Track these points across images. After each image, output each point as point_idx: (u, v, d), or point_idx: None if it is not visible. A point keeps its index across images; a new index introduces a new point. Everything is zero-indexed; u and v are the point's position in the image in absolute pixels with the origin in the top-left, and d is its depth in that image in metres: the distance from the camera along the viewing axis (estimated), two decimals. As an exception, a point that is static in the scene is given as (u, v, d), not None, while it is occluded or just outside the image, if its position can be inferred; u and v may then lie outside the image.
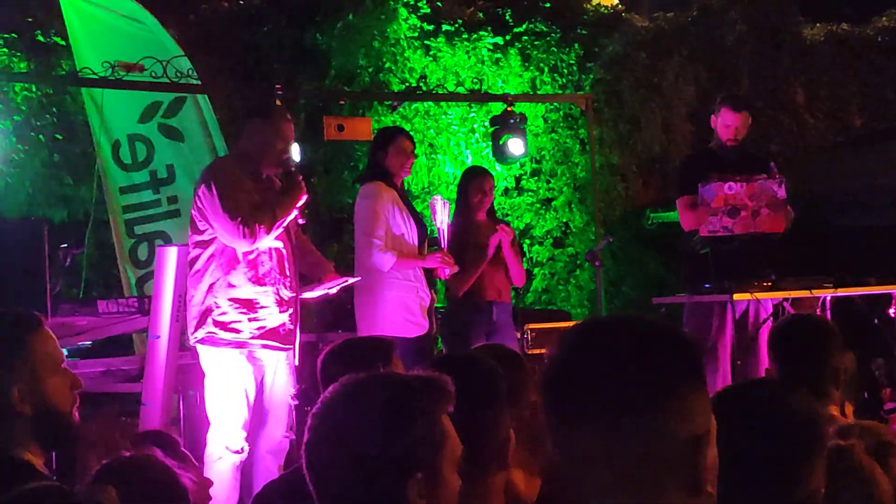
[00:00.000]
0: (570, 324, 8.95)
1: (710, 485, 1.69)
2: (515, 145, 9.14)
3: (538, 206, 10.85)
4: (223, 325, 5.74)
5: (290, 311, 5.90)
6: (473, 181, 7.52)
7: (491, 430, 2.57)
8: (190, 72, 8.03)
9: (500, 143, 9.15)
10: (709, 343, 6.88)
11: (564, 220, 10.91)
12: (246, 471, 5.82)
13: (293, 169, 6.00)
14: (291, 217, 5.89)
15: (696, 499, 1.68)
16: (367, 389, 2.09)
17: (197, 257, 5.83)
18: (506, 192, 10.71)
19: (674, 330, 1.76)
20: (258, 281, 5.79)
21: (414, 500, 1.99)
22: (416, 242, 6.82)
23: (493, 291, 7.43)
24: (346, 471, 2.01)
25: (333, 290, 6.34)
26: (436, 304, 7.10)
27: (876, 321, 7.64)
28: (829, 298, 7.15)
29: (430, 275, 6.94)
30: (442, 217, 7.04)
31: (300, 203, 5.90)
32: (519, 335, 8.29)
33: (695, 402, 1.69)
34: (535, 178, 10.87)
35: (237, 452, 5.71)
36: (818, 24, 12.85)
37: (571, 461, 1.68)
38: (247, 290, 5.76)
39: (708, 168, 7.14)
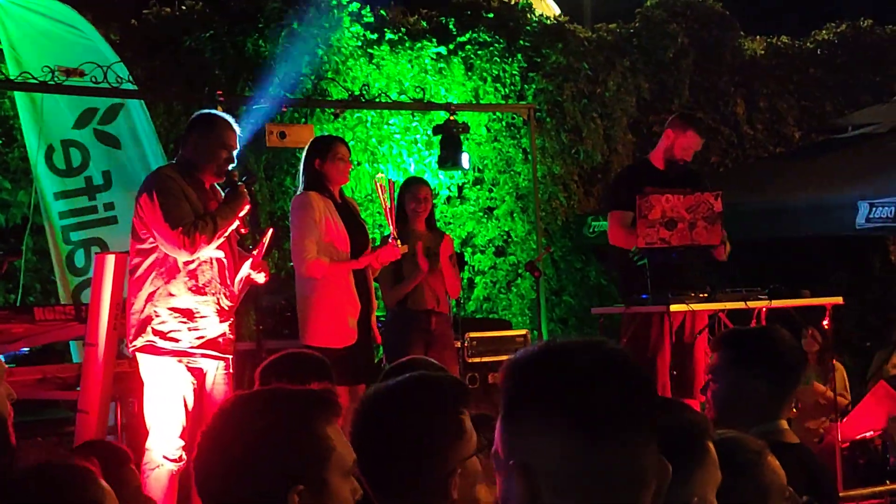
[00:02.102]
0: (514, 332, 9.07)
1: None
2: (464, 158, 9.24)
3: (480, 214, 10.89)
4: (162, 334, 5.73)
5: (231, 320, 5.91)
6: (408, 190, 7.54)
7: (435, 460, 2.54)
8: (129, 78, 7.99)
9: (452, 152, 9.20)
10: (648, 355, 6.93)
11: (506, 228, 10.95)
12: (184, 479, 5.80)
13: (236, 179, 5.99)
14: (233, 227, 5.89)
15: None
16: (250, 404, 2.12)
17: (138, 265, 5.83)
18: (448, 200, 10.73)
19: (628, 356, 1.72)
20: (199, 290, 5.79)
21: None
22: (348, 250, 6.76)
23: (432, 300, 7.44)
24: (229, 483, 2.04)
25: (253, 273, 6.11)
26: (376, 314, 7.09)
27: (811, 333, 7.77)
28: (764, 310, 7.23)
29: (366, 285, 6.89)
30: (387, 196, 7.00)
31: (242, 213, 5.90)
32: (459, 344, 8.33)
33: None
34: (478, 186, 10.90)
35: (175, 461, 5.71)
36: (758, 37, 13.02)
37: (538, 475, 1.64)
38: (187, 300, 5.76)
39: (646, 182, 7.19)
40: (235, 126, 6.08)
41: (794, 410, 8.55)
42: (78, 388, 6.25)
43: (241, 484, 2.04)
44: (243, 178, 6.08)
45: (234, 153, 6.00)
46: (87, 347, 6.17)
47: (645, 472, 1.64)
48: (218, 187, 6.09)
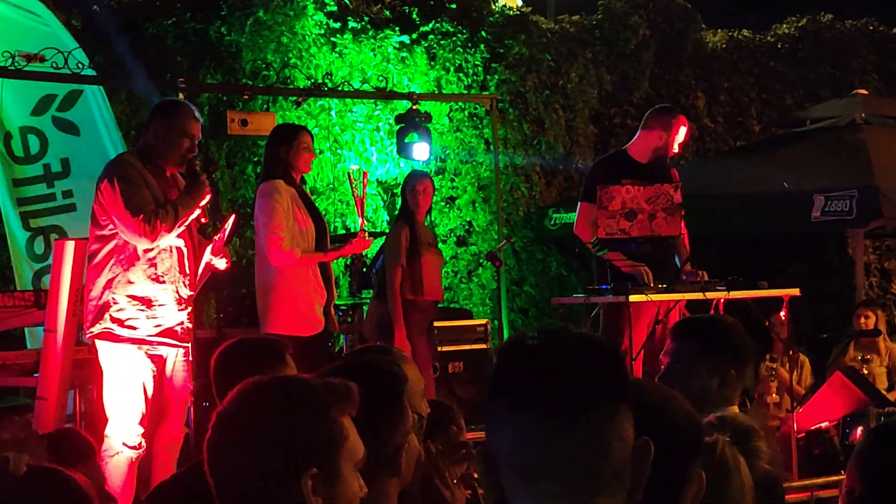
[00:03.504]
0: (474, 322, 9.12)
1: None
2: (420, 150, 9.27)
3: (442, 204, 10.91)
4: (120, 322, 5.71)
5: (189, 309, 5.90)
6: (418, 183, 7.72)
7: (384, 436, 2.58)
8: (89, 65, 7.95)
9: (406, 140, 9.25)
10: (624, 346, 6.94)
11: (468, 218, 10.99)
12: (143, 466, 5.79)
13: (198, 168, 5.97)
14: (194, 216, 5.87)
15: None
16: (270, 387, 2.14)
17: (97, 252, 5.79)
18: (410, 189, 10.75)
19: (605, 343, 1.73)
20: (157, 278, 5.76)
21: (308, 494, 2.02)
22: (314, 240, 6.76)
23: (439, 292, 7.78)
24: (243, 464, 2.05)
25: (214, 259, 6.09)
26: (335, 302, 7.08)
27: (767, 324, 7.83)
28: (722, 301, 7.28)
29: (328, 274, 6.89)
30: (358, 187, 7.04)
31: (203, 202, 5.88)
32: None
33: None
34: (440, 176, 10.93)
35: (134, 448, 5.69)
36: (720, 31, 13.10)
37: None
38: (145, 287, 5.74)
39: (622, 174, 7.16)
40: (198, 115, 6.05)
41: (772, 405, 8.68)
42: (37, 375, 6.23)
43: (255, 465, 2.04)
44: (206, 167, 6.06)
45: (196, 142, 5.97)
46: (46, 334, 6.15)
47: (612, 456, 1.63)
48: (179, 175, 6.07)
